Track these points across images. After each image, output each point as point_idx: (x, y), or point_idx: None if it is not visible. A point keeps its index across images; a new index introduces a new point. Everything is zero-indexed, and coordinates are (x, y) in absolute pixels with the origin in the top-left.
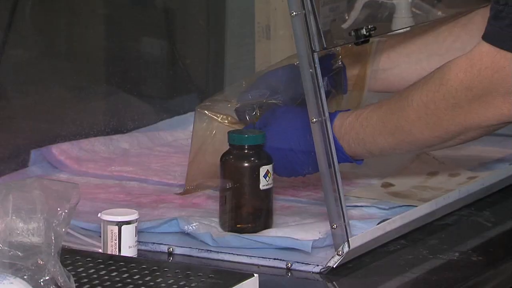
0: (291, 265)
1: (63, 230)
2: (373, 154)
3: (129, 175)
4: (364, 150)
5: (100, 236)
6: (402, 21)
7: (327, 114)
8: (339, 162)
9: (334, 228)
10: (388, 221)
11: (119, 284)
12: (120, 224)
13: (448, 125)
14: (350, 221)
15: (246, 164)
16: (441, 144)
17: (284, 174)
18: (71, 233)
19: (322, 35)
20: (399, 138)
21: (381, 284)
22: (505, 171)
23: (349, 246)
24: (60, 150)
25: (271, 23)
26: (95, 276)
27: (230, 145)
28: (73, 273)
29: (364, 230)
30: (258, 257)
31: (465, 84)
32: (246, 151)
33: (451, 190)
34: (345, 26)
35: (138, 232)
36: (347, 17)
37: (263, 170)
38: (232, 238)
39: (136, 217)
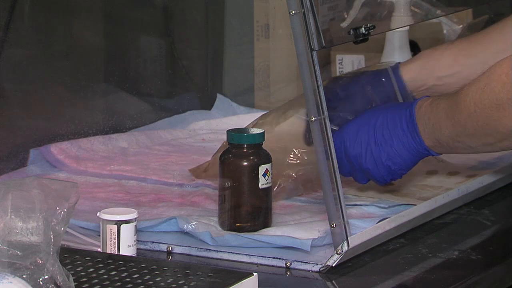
0: (290, 264)
1: (62, 229)
2: (441, 144)
3: (128, 174)
4: (433, 137)
5: (99, 235)
6: (401, 20)
7: (326, 113)
8: (418, 155)
9: (333, 227)
10: (387, 219)
11: (118, 283)
12: (119, 223)
13: (496, 125)
14: (349, 220)
15: (245, 163)
16: (498, 143)
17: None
18: (70, 232)
19: (321, 34)
20: (458, 131)
21: (380, 283)
22: (504, 170)
23: (348, 245)
24: (59, 149)
25: (270, 22)
26: (94, 275)
27: (229, 144)
28: (72, 272)
29: (363, 229)
30: (257, 256)
31: (508, 87)
32: (245, 150)
33: (450, 188)
34: (344, 24)
35: (137, 231)
36: (346, 16)
37: (262, 169)
38: (231, 237)
39: (135, 216)
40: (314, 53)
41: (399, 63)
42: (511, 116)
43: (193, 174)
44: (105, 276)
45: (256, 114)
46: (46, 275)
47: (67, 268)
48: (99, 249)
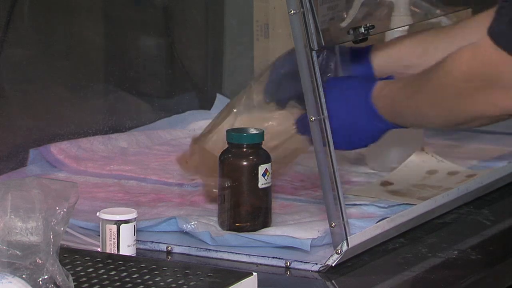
0: (290, 263)
1: (62, 229)
2: (404, 122)
3: (128, 174)
4: (397, 122)
5: (99, 235)
6: (400, 20)
7: (325, 113)
8: (375, 132)
9: (333, 227)
10: (387, 219)
11: (118, 283)
12: (118, 223)
13: (457, 111)
14: (349, 220)
15: (244, 163)
16: (458, 126)
17: (344, 146)
18: (69, 232)
19: (321, 34)
20: (420, 119)
21: (380, 283)
22: (503, 169)
23: (348, 245)
24: (58, 149)
25: (269, 22)
26: (93, 275)
27: (228, 143)
28: (71, 272)
29: (363, 229)
30: (257, 255)
31: (467, 75)
32: (244, 149)
33: (450, 188)
34: (343, 24)
35: (137, 231)
36: (345, 16)
37: (261, 168)
38: (231, 237)
39: (135, 216)
40: (314, 53)
41: (371, 46)
42: (470, 103)
43: (179, 163)
44: (105, 276)
45: None
46: (46, 275)
47: (66, 268)
48: (99, 249)
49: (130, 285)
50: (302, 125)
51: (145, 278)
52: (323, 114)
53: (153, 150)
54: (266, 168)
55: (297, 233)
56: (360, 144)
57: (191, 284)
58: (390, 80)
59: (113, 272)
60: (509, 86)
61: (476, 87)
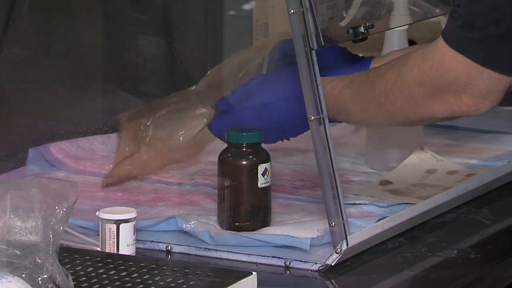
0: (290, 263)
1: (61, 228)
2: (347, 119)
3: None
4: (339, 119)
5: (98, 235)
6: (400, 19)
7: (325, 112)
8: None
9: (332, 226)
10: (386, 219)
11: (117, 283)
12: (118, 222)
13: (406, 114)
14: (348, 219)
15: (244, 162)
16: (405, 125)
17: (273, 139)
18: (69, 231)
19: (320, 33)
20: (366, 117)
21: (379, 282)
22: (503, 169)
23: (347, 244)
24: (58, 149)
25: (269, 21)
26: (93, 274)
27: (228, 143)
28: (71, 271)
29: (363, 228)
30: (257, 255)
31: (418, 80)
32: (244, 149)
33: (450, 187)
34: (343, 23)
35: (136, 230)
36: (345, 15)
37: (261, 168)
38: (230, 236)
39: (134, 216)
40: (313, 53)
41: (373, 57)
42: (421, 106)
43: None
44: (104, 276)
45: None
46: (45, 274)
47: (66, 267)
48: (98, 249)
49: (129, 284)
50: (213, 126)
51: (144, 277)
52: (322, 113)
53: None
54: (265, 168)
55: (297, 233)
56: (290, 134)
57: (190, 283)
58: (334, 77)
59: (112, 272)
60: (461, 89)
61: (428, 90)
